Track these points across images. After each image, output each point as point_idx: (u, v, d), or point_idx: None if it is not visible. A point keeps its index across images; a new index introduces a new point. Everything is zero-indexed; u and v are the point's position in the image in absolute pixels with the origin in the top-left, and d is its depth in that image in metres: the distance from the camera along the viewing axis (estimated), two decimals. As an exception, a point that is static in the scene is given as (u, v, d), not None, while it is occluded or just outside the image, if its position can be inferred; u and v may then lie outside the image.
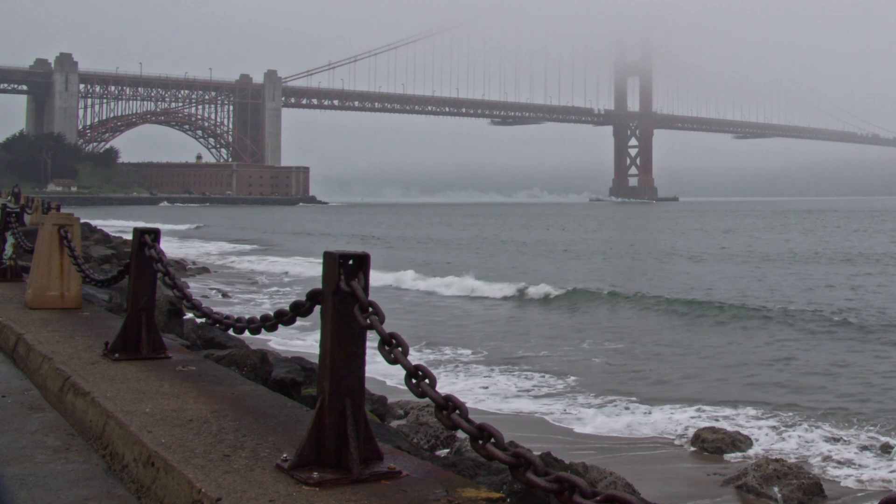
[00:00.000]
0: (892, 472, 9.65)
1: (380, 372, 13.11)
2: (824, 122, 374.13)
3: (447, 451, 9.08)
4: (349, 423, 3.56)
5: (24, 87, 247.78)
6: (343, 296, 3.52)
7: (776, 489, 8.53)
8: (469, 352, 17.15)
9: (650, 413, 12.19)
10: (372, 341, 3.49)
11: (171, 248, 44.19)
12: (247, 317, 4.62)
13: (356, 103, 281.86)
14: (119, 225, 64.63)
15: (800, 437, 11.04)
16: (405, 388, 3.29)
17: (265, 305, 24.25)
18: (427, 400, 3.19)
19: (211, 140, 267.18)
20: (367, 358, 3.67)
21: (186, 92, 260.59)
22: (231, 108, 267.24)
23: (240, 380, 5.66)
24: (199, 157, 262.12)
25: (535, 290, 25.71)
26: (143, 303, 6.27)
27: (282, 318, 4.08)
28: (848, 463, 9.96)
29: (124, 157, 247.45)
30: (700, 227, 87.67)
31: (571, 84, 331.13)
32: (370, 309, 3.45)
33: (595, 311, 23.24)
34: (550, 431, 11.30)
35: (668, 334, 19.96)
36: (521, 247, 55.98)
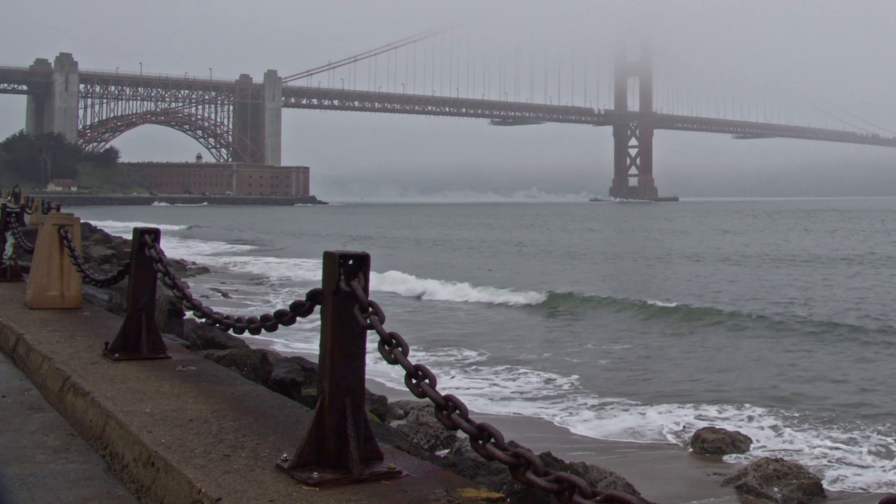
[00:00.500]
0: (892, 472, 9.65)
1: (380, 372, 13.11)
2: (824, 122, 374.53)
3: (447, 451, 9.08)
4: (349, 423, 3.56)
5: (24, 87, 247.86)
6: (343, 296, 3.52)
7: (776, 489, 8.53)
8: (471, 354, 17.15)
9: (650, 413, 12.19)
10: (372, 342, 3.50)
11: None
12: (247, 317, 4.62)
13: (356, 103, 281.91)
14: (111, 225, 64.15)
15: (800, 437, 11.04)
16: (405, 388, 3.29)
17: (253, 308, 24.24)
18: (427, 400, 3.19)
19: (211, 140, 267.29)
20: (367, 358, 3.68)
21: (186, 92, 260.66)
22: (231, 108, 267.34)
23: (240, 380, 5.66)
24: (199, 157, 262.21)
25: (538, 296, 25.37)
26: (143, 303, 6.27)
27: (282, 318, 4.08)
28: (848, 463, 9.96)
29: (124, 157, 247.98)
30: (709, 228, 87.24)
31: (571, 84, 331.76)
32: (370, 309, 3.46)
33: (596, 314, 23.17)
34: (550, 431, 11.30)
35: (668, 335, 19.95)
36: (523, 248, 55.77)
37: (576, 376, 14.76)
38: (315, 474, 3.49)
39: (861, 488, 9.11)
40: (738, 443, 10.39)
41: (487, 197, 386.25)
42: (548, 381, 14.43)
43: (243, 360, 9.43)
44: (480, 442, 2.91)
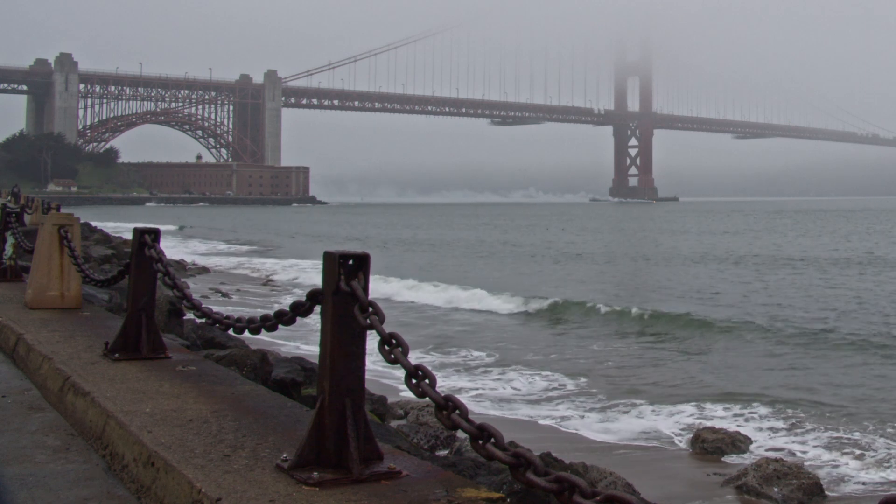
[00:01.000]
0: (892, 472, 9.65)
1: (380, 372, 13.12)
2: (824, 122, 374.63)
3: (447, 451, 9.08)
4: (349, 423, 3.56)
5: (24, 87, 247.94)
6: (343, 296, 3.52)
7: (776, 489, 8.53)
8: (472, 356, 17.15)
9: (650, 413, 12.20)
10: (372, 342, 3.50)
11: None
12: (247, 317, 4.62)
13: (356, 103, 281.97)
14: (102, 225, 63.57)
15: (800, 437, 11.04)
16: (404, 388, 3.28)
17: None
18: (427, 400, 3.19)
19: (211, 140, 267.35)
20: (367, 358, 3.68)
21: (186, 92, 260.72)
22: (231, 108, 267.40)
23: (240, 380, 5.66)
24: (199, 157, 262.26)
25: (542, 304, 24.78)
26: (143, 303, 6.27)
27: (282, 318, 4.08)
28: (848, 463, 9.96)
29: (124, 157, 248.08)
30: (715, 229, 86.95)
31: (571, 84, 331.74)
32: (370, 309, 3.46)
33: (597, 318, 22.99)
34: (550, 432, 11.30)
35: (668, 335, 19.94)
36: (532, 250, 55.36)
37: (575, 378, 14.76)
38: (315, 474, 3.49)
39: (861, 488, 9.11)
40: (738, 443, 10.39)
41: (485, 197, 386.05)
42: (547, 382, 14.43)
43: (243, 360, 9.43)
44: (480, 442, 2.91)
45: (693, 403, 12.75)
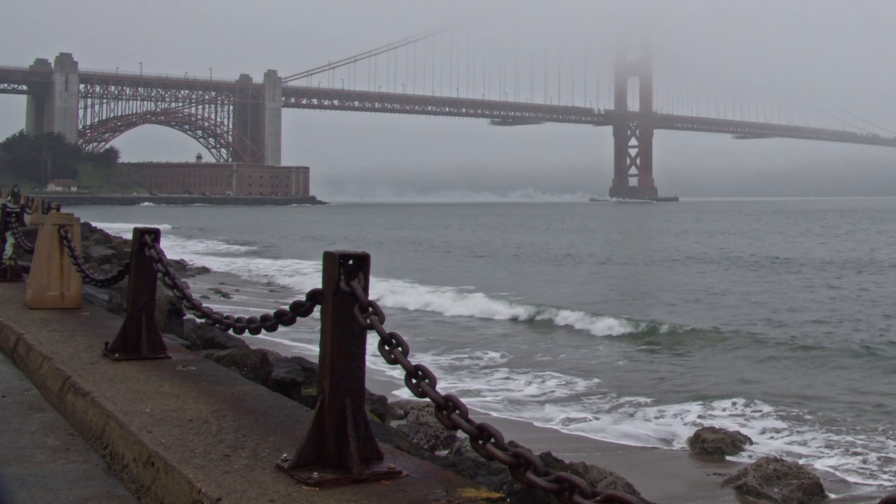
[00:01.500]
0: (892, 472, 9.65)
1: (379, 372, 13.12)
2: (824, 122, 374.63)
3: (447, 451, 9.08)
4: (349, 423, 3.56)
5: (24, 87, 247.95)
6: (343, 296, 3.52)
7: (776, 489, 8.52)
8: (470, 358, 17.15)
9: (650, 413, 12.20)
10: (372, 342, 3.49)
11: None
12: (247, 317, 4.62)
13: (356, 103, 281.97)
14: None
15: (800, 437, 11.04)
16: (403, 388, 3.28)
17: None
18: (427, 400, 3.19)
19: (211, 140, 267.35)
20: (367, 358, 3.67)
21: (186, 92, 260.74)
22: (231, 108, 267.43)
23: (240, 380, 5.66)
24: (199, 157, 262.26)
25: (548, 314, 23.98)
26: (143, 303, 6.27)
27: (282, 318, 4.08)
28: (848, 463, 9.96)
29: (124, 157, 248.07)
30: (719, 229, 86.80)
31: (571, 84, 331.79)
32: (370, 309, 3.46)
33: (595, 326, 22.63)
34: (550, 432, 11.30)
35: (668, 336, 19.95)
36: (539, 252, 54.96)
37: (575, 378, 14.77)
38: (315, 474, 3.49)
39: (861, 488, 9.11)
40: (738, 443, 10.39)
41: (483, 197, 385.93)
42: (547, 381, 14.43)
43: (243, 360, 9.43)
44: (480, 442, 2.91)
45: (693, 404, 12.75)
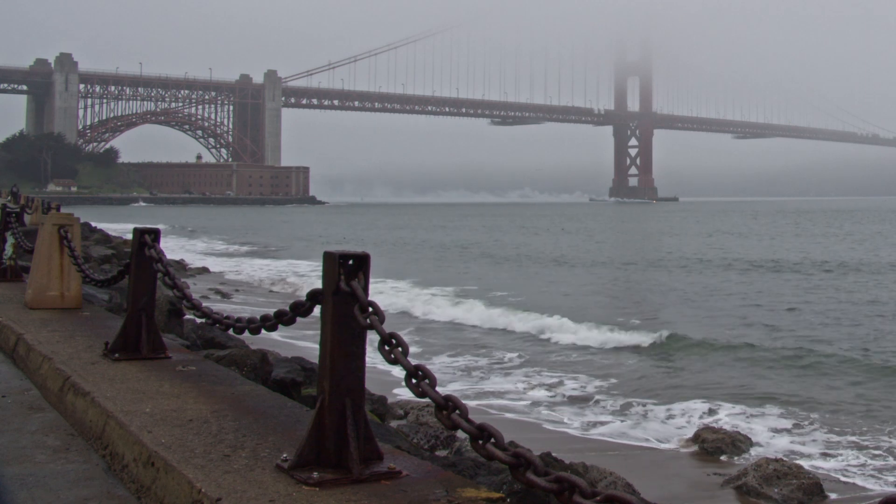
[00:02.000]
0: (892, 472, 9.65)
1: (380, 372, 13.11)
2: (824, 122, 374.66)
3: (447, 451, 9.08)
4: (349, 423, 3.56)
5: (24, 87, 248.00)
6: (343, 296, 3.52)
7: (776, 489, 8.52)
8: (469, 360, 17.16)
9: (650, 413, 12.20)
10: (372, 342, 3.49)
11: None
12: (247, 317, 4.62)
13: (356, 103, 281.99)
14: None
15: (800, 437, 11.04)
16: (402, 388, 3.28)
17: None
18: (427, 400, 3.19)
19: (211, 140, 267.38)
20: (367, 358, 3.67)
21: (186, 92, 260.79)
22: (231, 108, 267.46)
23: (240, 380, 5.66)
24: (199, 157, 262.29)
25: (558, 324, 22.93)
26: (143, 303, 6.27)
27: (282, 318, 4.08)
28: (848, 463, 9.96)
29: (124, 157, 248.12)
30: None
31: (571, 84, 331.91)
32: (370, 309, 3.46)
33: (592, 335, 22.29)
34: (550, 432, 11.30)
35: (668, 337, 19.94)
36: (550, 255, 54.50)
37: (575, 378, 14.77)
38: (315, 474, 3.49)
39: (861, 488, 9.11)
40: (738, 443, 10.39)
41: (481, 197, 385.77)
42: (547, 382, 14.43)
43: (243, 360, 9.43)
44: (480, 442, 2.91)
45: (693, 404, 12.75)
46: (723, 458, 10.04)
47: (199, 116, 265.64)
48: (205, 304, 5.36)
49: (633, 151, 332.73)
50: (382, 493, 3.39)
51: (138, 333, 6.25)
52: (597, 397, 13.27)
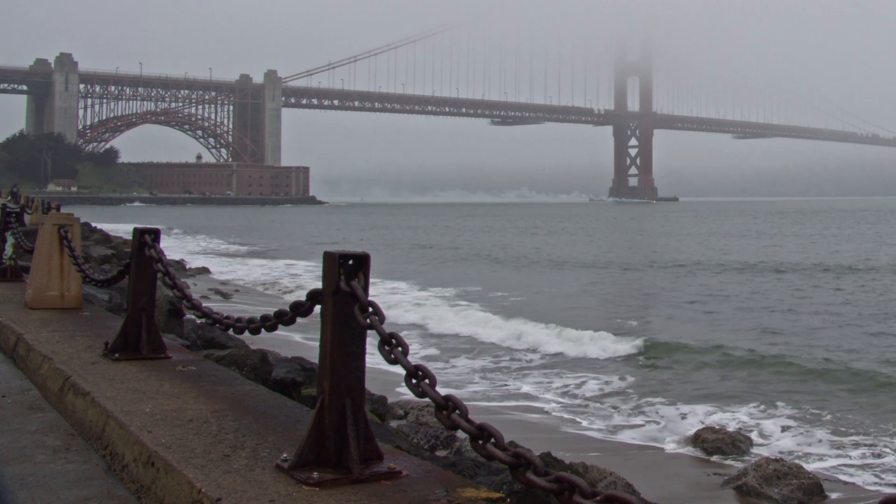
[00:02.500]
0: (892, 472, 9.65)
1: (380, 371, 13.10)
2: (824, 122, 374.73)
3: (447, 451, 9.08)
4: (349, 423, 3.56)
5: (24, 87, 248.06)
6: (343, 296, 3.52)
7: (776, 489, 8.52)
8: (466, 361, 17.16)
9: (650, 413, 12.20)
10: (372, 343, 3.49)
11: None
12: (247, 317, 4.62)
13: (356, 103, 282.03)
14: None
15: (800, 437, 11.04)
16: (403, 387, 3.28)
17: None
18: (427, 400, 3.19)
19: (211, 140, 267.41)
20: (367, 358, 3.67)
21: (186, 92, 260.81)
22: (231, 108, 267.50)
23: (240, 380, 5.66)
24: (199, 157, 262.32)
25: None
26: (143, 303, 6.27)
27: (282, 318, 4.08)
28: (848, 463, 9.96)
29: (124, 157, 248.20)
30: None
31: (571, 84, 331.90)
32: (370, 309, 3.46)
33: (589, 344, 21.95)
34: (550, 431, 11.30)
35: (668, 335, 19.95)
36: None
37: (574, 377, 14.77)
38: (315, 474, 3.49)
39: (861, 488, 9.10)
40: (738, 443, 10.38)
41: (478, 197, 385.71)
42: (546, 382, 14.44)
43: (243, 360, 9.42)
44: (480, 442, 2.91)
45: (693, 405, 12.75)
46: (723, 458, 10.03)
47: (199, 116, 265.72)
48: (205, 304, 5.36)
49: (633, 151, 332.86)
50: (382, 493, 3.39)
51: (138, 333, 6.25)
52: (597, 398, 13.27)
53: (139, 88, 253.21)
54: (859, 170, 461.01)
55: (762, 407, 12.52)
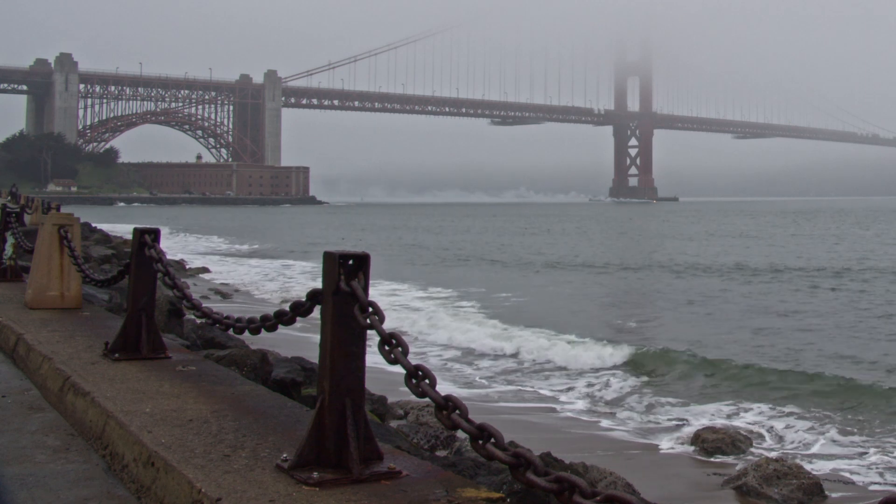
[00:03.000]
0: (893, 472, 9.65)
1: (380, 371, 13.10)
2: (824, 122, 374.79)
3: (447, 451, 9.08)
4: (349, 423, 3.56)
5: (24, 87, 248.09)
6: (343, 296, 3.52)
7: (776, 489, 8.52)
8: (466, 363, 17.16)
9: (650, 413, 12.20)
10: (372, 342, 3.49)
11: None
12: (247, 317, 4.62)
13: (356, 103, 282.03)
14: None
15: (800, 437, 11.04)
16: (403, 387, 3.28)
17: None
18: (427, 400, 3.19)
19: (211, 140, 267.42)
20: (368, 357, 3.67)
21: (186, 92, 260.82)
22: (231, 108, 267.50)
23: (240, 380, 5.66)
24: (199, 157, 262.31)
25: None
26: (143, 303, 6.27)
27: (282, 318, 4.08)
28: (848, 463, 9.95)
29: (124, 157, 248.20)
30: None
31: (571, 84, 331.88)
32: (370, 309, 3.46)
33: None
34: (550, 431, 11.30)
35: (668, 336, 19.95)
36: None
37: (574, 377, 14.77)
38: (315, 474, 3.49)
39: (862, 488, 9.10)
40: (738, 443, 10.38)
41: (476, 197, 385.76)
42: (546, 382, 14.44)
43: (243, 360, 9.42)
44: (480, 442, 2.91)
45: (693, 405, 12.75)
46: (723, 458, 10.03)
47: (199, 116, 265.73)
48: (205, 304, 5.36)
49: (633, 151, 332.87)
50: (382, 493, 3.39)
51: (138, 333, 6.25)
52: (597, 398, 13.27)
53: (139, 88, 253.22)
54: (859, 170, 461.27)
55: (762, 407, 12.52)
